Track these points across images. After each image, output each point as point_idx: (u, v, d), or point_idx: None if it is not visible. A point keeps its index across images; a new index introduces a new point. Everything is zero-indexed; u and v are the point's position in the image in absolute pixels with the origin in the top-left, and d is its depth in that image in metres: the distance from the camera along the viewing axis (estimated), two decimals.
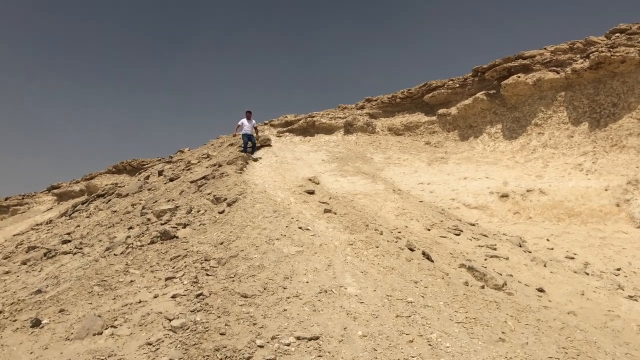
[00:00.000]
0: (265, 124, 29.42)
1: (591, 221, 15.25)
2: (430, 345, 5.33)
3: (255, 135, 19.29)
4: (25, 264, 10.90)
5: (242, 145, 18.59)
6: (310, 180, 14.62)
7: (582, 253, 12.65)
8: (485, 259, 10.28)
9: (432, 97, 27.03)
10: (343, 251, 8.30)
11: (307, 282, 6.78)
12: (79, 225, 14.67)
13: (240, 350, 4.86)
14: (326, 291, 6.48)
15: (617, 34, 20.82)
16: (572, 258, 12.02)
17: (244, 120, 18.72)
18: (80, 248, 10.80)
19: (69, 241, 12.16)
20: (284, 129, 28.72)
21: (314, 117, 28.44)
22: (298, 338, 5.16)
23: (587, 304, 8.62)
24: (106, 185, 28.30)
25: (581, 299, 8.87)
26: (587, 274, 10.71)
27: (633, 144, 17.78)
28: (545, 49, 23.44)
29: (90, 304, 6.61)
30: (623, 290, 9.86)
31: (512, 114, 23.38)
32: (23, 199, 47.76)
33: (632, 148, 17.72)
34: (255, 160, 17.82)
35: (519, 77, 22.72)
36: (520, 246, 12.10)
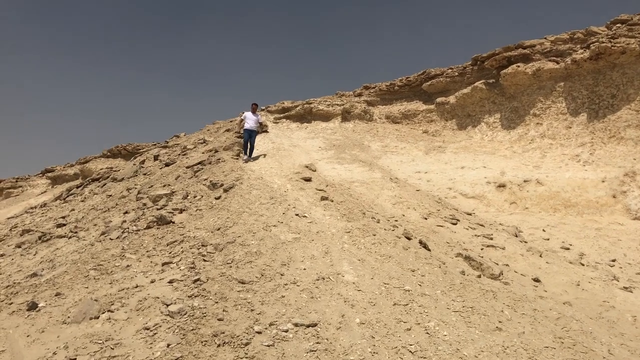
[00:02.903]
0: (262, 109, 29.25)
1: (587, 212, 15.29)
2: (427, 333, 5.33)
3: (257, 131, 16.06)
4: (19, 247, 10.85)
5: (243, 143, 15.63)
6: (307, 167, 14.57)
7: (578, 244, 12.69)
8: (482, 249, 10.30)
9: (430, 86, 26.92)
10: (340, 239, 8.28)
11: (304, 269, 6.76)
12: (73, 209, 14.60)
13: (238, 336, 4.84)
14: (324, 278, 6.46)
15: (618, 25, 20.73)
16: (568, 249, 12.06)
17: (249, 114, 15.75)
18: (76, 232, 10.75)
19: (64, 225, 12.10)
20: (281, 115, 28.58)
21: (311, 103, 28.29)
22: (296, 325, 5.15)
23: (583, 294, 8.65)
24: (101, 169, 28.21)
25: (577, 289, 8.90)
26: (583, 264, 10.76)
27: (631, 136, 17.79)
28: (545, 38, 23.33)
29: (87, 288, 6.57)
30: (618, 281, 9.91)
31: (511, 104, 23.32)
32: (17, 181, 47.46)
33: (629, 140, 17.73)
34: (251, 160, 15.36)
35: (519, 66, 22.63)
36: (517, 236, 12.13)
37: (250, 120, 15.49)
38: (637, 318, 7.80)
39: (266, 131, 22.16)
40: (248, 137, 15.45)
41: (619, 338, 6.74)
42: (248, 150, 15.60)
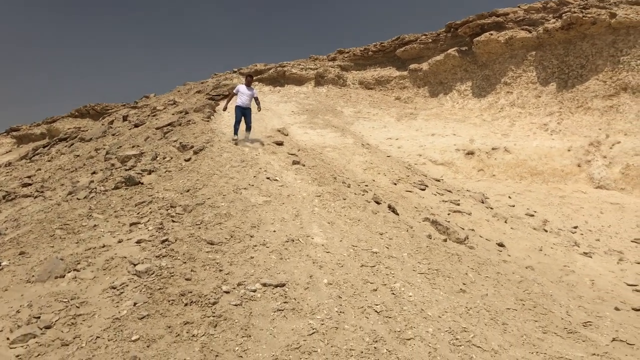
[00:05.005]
0: (234, 72, 28.81)
1: (552, 180, 15.67)
2: (393, 294, 5.44)
3: (255, 108, 12.78)
4: None
5: (234, 122, 12.32)
6: (279, 131, 14.48)
7: (542, 211, 13.02)
8: (449, 214, 10.48)
9: (404, 52, 26.83)
10: (311, 202, 8.32)
11: (274, 231, 6.79)
12: (40, 169, 14.30)
13: (205, 296, 4.87)
14: (293, 240, 6.51)
15: None
16: (532, 215, 12.37)
17: (242, 87, 12.56)
18: (42, 191, 10.55)
19: (30, 184, 11.86)
20: (249, 73, 28.19)
21: (284, 67, 27.97)
22: (264, 285, 5.20)
23: (545, 259, 8.93)
24: (68, 129, 27.55)
25: (539, 254, 9.18)
26: (546, 230, 11.07)
27: (597, 106, 18.14)
28: (519, 7, 23.40)
29: (52, 247, 6.49)
30: (579, 247, 10.25)
31: (483, 72, 23.47)
32: None
33: (596, 110, 18.09)
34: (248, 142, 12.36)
35: (492, 34, 22.70)
36: (483, 202, 12.37)
37: (243, 96, 12.41)
38: (595, 282, 8.11)
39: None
40: (241, 116, 12.34)
41: (577, 300, 7.00)
42: (244, 129, 12.54)
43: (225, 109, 12.87)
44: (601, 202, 13.88)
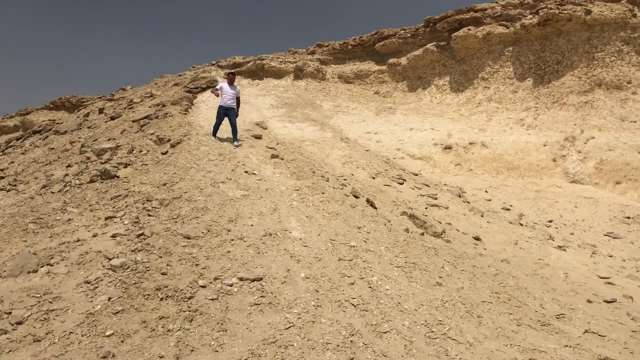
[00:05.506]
0: (213, 64, 28.54)
1: (528, 175, 15.89)
2: (370, 287, 5.47)
3: (236, 109, 11.95)
4: None
5: (215, 123, 11.74)
6: (257, 124, 14.40)
7: (518, 205, 13.20)
8: (426, 208, 10.55)
9: (383, 46, 26.90)
10: (289, 196, 8.30)
11: (252, 225, 6.76)
12: (13, 162, 14.01)
13: (182, 290, 4.83)
14: (271, 234, 6.49)
15: None
16: (508, 209, 12.53)
17: (225, 86, 11.88)
18: (15, 185, 10.34)
19: (2, 178, 11.62)
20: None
21: (263, 60, 27.82)
22: (241, 279, 5.18)
23: (520, 252, 9.05)
24: (43, 121, 27.04)
25: (514, 247, 9.30)
26: (521, 224, 11.22)
27: (573, 102, 18.43)
28: (496, 2, 23.59)
29: (25, 241, 6.38)
30: (553, 240, 10.42)
31: (461, 67, 23.64)
32: None
33: (571, 105, 18.38)
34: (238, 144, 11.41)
35: (470, 29, 22.87)
36: (460, 196, 12.48)
37: (227, 95, 11.72)
38: (568, 275, 8.25)
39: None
40: (223, 117, 11.67)
41: (550, 293, 7.12)
42: (223, 129, 11.93)
43: (218, 95, 11.88)
44: (576, 197, 14.13)
